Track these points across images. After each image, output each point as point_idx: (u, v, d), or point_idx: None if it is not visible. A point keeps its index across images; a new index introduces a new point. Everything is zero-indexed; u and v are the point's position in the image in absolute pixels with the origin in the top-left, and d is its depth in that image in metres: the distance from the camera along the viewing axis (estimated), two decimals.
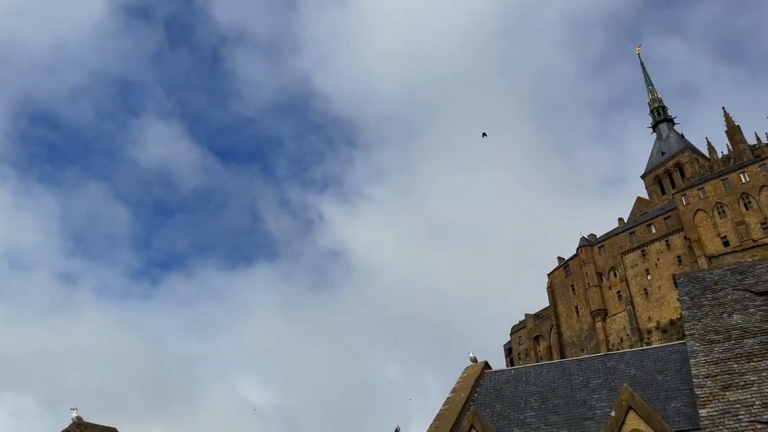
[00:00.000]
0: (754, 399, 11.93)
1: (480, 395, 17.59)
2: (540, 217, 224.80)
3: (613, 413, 12.36)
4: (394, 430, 20.99)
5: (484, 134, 72.93)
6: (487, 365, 19.10)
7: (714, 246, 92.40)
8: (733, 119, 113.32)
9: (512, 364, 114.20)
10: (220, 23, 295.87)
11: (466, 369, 19.18)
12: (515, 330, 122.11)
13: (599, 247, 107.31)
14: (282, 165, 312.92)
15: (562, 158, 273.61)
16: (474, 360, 19.42)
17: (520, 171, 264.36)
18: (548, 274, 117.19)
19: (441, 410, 17.51)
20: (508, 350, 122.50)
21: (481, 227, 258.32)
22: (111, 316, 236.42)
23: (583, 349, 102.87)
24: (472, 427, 14.01)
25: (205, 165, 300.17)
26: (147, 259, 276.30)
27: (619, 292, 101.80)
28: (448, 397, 18.13)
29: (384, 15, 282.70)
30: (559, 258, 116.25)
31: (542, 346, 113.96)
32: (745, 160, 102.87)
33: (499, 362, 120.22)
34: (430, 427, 17.30)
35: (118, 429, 12.65)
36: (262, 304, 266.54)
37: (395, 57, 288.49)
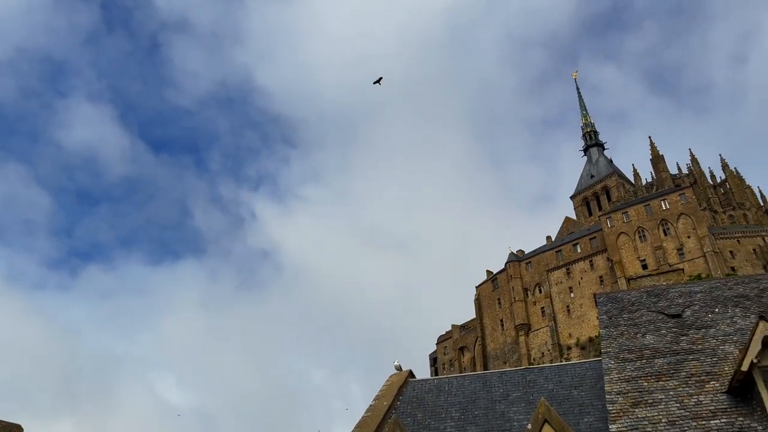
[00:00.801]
0: (660, 416, 12.48)
1: (402, 403, 17.68)
2: (472, 230, 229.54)
3: (529, 426, 12.68)
4: None
5: (378, 80, 62.06)
6: (411, 374, 19.24)
7: (634, 268, 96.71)
8: (657, 148, 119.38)
9: (437, 374, 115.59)
10: (160, 8, 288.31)
11: (390, 377, 19.28)
12: (441, 340, 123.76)
13: (527, 263, 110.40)
14: (216, 159, 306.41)
15: (498, 173, 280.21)
16: (399, 368, 19.54)
17: (456, 182, 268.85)
18: (476, 287, 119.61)
19: (363, 417, 17.50)
20: (434, 360, 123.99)
21: (416, 236, 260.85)
22: (23, 305, 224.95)
23: (505, 362, 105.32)
24: None
25: (135, 154, 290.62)
26: (67, 248, 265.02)
27: (543, 308, 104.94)
28: (370, 405, 18.15)
29: (330, 15, 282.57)
30: (488, 271, 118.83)
31: (467, 357, 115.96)
32: (666, 188, 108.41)
33: (424, 371, 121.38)
34: None
35: (23, 426, 11.93)
36: (187, 301, 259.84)
37: (339, 58, 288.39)
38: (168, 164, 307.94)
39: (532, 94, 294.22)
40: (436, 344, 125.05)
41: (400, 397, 18.03)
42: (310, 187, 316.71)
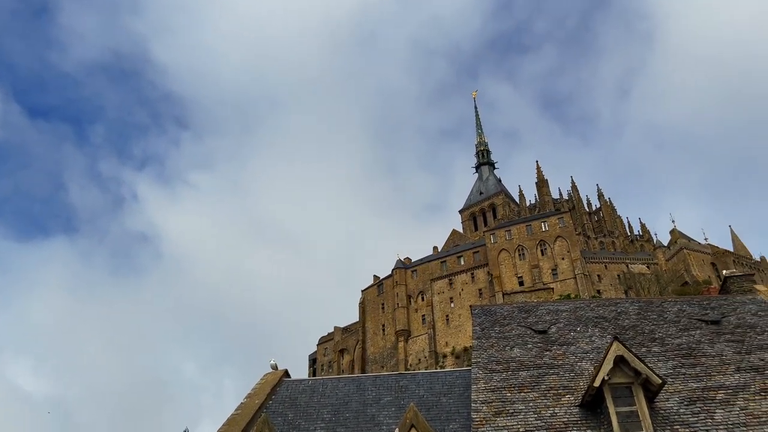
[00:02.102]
0: (519, 426, 13.18)
1: (275, 403, 17.49)
2: (364, 233, 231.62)
3: (396, 430, 12.97)
4: (182, 431, 20.09)
5: None
6: (286, 374, 19.08)
7: (511, 284, 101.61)
8: (543, 173, 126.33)
9: (315, 375, 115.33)
10: None
11: (265, 375, 19.02)
12: (323, 341, 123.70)
13: (413, 271, 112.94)
14: (99, 133, 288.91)
15: (393, 179, 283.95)
16: (275, 367, 19.32)
17: (352, 184, 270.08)
18: (362, 290, 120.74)
19: (232, 415, 17.13)
20: (313, 361, 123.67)
21: (307, 234, 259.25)
22: None
23: (383, 367, 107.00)
24: None
25: (7, 117, 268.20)
26: None
27: (424, 315, 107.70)
28: (241, 402, 17.80)
29: None
30: (374, 276, 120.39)
31: (346, 359, 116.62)
32: (547, 211, 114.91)
33: (302, 372, 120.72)
34: (218, 430, 16.83)
35: None
36: (53, 281, 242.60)
37: (243, 43, 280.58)
38: (45, 132, 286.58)
39: (432, 104, 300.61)
40: (317, 345, 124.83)
41: (273, 396, 17.82)
42: (201, 173, 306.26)
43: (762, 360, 14.68)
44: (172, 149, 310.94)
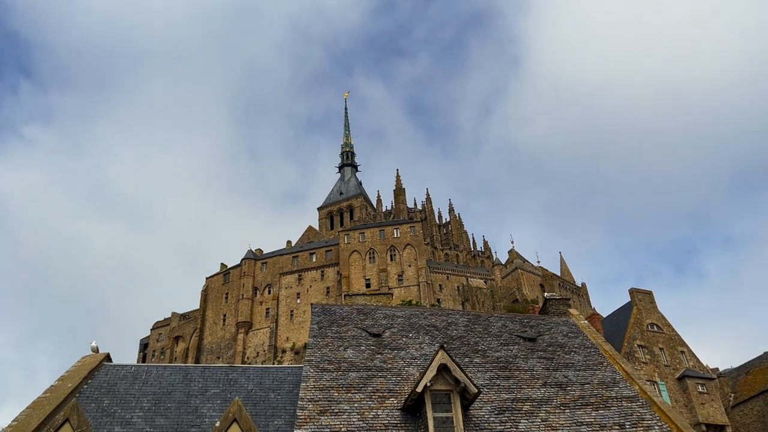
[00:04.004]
0: (342, 426, 13.45)
1: (90, 388, 16.39)
2: (217, 217, 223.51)
3: (217, 423, 12.68)
4: None
5: None
6: (108, 357, 17.96)
7: (359, 285, 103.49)
8: (402, 181, 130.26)
9: (144, 361, 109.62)
10: None
11: (83, 358, 17.76)
12: (157, 326, 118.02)
13: (263, 263, 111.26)
14: None
15: (255, 162, 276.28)
16: (96, 350, 18.12)
17: (208, 163, 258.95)
18: (207, 277, 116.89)
19: (39, 397, 15.81)
20: (144, 346, 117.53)
21: (153, 210, 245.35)
22: None
23: (219, 357, 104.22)
24: (67, 420, 12.93)
25: None
26: None
27: (268, 309, 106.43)
28: (52, 385, 16.49)
29: None
30: (222, 264, 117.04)
31: (180, 347, 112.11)
32: (401, 218, 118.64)
33: (131, 357, 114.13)
34: (20, 414, 15.44)
35: None
36: None
37: None
38: None
39: (304, 92, 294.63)
40: (151, 330, 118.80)
41: (90, 381, 16.70)
42: (39, 128, 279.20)
43: (566, 377, 16.21)
44: (8, 96, 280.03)
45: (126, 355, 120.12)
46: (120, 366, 17.51)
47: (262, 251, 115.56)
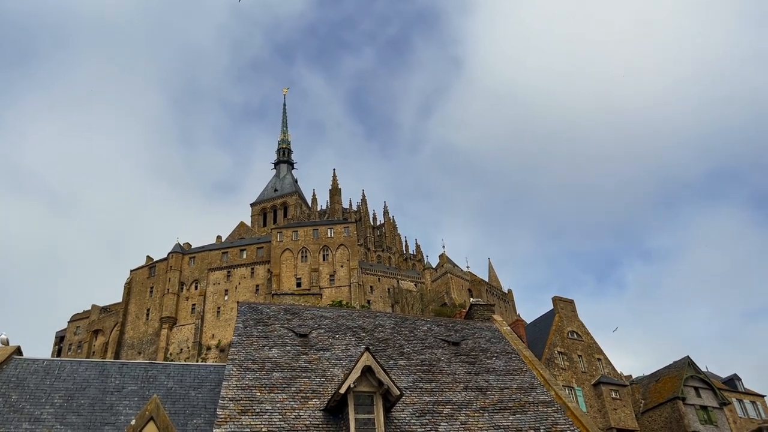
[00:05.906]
0: (263, 426, 13.33)
1: None
2: (144, 207, 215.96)
3: (133, 421, 12.32)
4: None
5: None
6: (18, 351, 17.13)
7: (290, 284, 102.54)
8: (338, 181, 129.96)
9: (59, 355, 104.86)
10: None
11: None
12: (75, 319, 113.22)
13: (191, 257, 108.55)
14: None
15: (186, 149, 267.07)
16: (5, 342, 17.25)
17: (137, 148, 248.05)
18: (132, 270, 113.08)
19: None
20: (60, 339, 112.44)
21: (74, 194, 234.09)
22: None
23: (140, 353, 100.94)
24: None
25: None
26: None
27: (194, 304, 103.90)
28: None
29: None
30: (148, 257, 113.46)
31: (100, 341, 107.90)
32: (336, 218, 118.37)
33: (45, 350, 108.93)
34: None
35: None
36: None
37: None
38: None
39: (242, 79, 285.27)
40: (68, 322, 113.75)
41: None
42: None
43: (486, 381, 16.64)
44: None
45: (40, 348, 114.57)
46: (31, 360, 16.74)
47: (191, 245, 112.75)
